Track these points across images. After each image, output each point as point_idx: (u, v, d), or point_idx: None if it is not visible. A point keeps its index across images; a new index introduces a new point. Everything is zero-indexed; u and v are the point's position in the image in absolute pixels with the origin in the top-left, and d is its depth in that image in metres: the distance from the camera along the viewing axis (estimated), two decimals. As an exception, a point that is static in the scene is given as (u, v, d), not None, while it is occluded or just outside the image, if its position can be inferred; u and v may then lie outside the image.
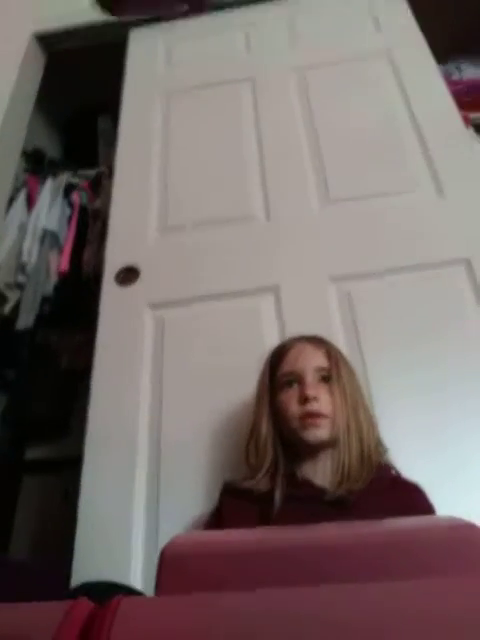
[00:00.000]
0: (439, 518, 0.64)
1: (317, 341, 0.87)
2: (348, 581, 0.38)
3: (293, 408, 0.79)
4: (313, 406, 0.77)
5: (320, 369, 0.82)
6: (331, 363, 0.83)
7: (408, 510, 0.74)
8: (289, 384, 0.82)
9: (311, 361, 0.82)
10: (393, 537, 0.46)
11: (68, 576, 0.92)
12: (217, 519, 0.82)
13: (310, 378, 0.80)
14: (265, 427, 0.82)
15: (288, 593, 0.36)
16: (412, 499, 0.77)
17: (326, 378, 0.81)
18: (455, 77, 1.78)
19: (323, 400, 0.79)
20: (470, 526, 0.44)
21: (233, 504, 0.82)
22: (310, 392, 0.78)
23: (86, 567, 0.93)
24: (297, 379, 0.81)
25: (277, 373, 0.84)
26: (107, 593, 0.40)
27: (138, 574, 0.93)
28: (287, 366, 0.83)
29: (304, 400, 0.78)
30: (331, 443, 0.79)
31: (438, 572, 0.40)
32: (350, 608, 0.34)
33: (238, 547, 0.47)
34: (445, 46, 1.77)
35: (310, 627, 0.33)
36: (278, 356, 0.86)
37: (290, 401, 0.80)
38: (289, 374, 0.82)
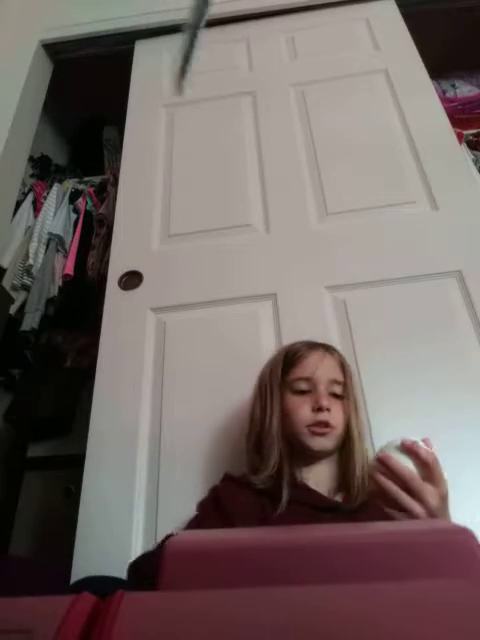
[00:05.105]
0: (433, 522, 0.64)
1: (332, 351, 0.88)
2: (347, 581, 0.39)
3: (304, 414, 0.80)
4: (325, 416, 0.79)
5: (334, 382, 0.83)
6: (346, 378, 0.84)
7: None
8: (302, 389, 0.82)
9: (329, 372, 0.83)
10: (389, 538, 0.46)
11: (68, 572, 0.93)
12: (215, 498, 0.83)
13: (323, 387, 0.81)
14: (275, 426, 0.82)
15: (289, 591, 0.37)
16: None
17: (339, 391, 0.83)
18: (450, 94, 1.82)
19: (334, 412, 0.80)
20: (463, 530, 0.44)
21: (234, 489, 0.82)
22: (325, 403, 0.79)
23: (86, 563, 0.94)
24: (311, 386, 0.82)
25: (289, 374, 0.84)
26: (108, 588, 0.40)
27: (137, 570, 0.96)
28: (305, 371, 0.83)
29: (318, 409, 0.79)
30: (333, 452, 0.81)
31: (430, 575, 0.40)
32: (349, 608, 0.34)
33: (241, 544, 0.47)
34: (441, 62, 1.82)
35: (310, 624, 0.33)
36: (294, 358, 0.86)
37: (302, 406, 0.81)
38: (306, 380, 0.82)
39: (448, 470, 0.92)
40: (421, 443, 0.64)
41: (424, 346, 1.09)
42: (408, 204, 1.32)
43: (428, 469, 0.61)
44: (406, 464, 0.62)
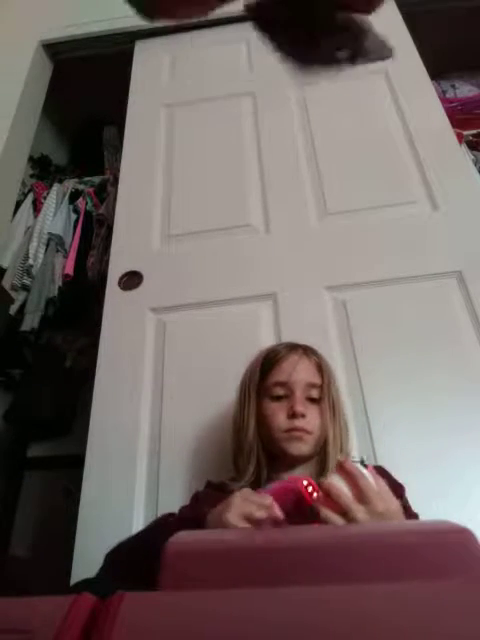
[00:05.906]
0: (431, 522, 0.64)
1: (310, 353, 0.86)
2: (347, 581, 0.39)
3: (280, 420, 0.80)
4: (300, 422, 0.78)
5: (312, 385, 0.82)
6: (324, 381, 0.83)
7: None
8: (279, 394, 0.82)
9: (305, 376, 0.82)
10: (389, 539, 0.46)
11: (68, 572, 0.93)
12: (195, 504, 0.82)
13: (299, 392, 0.80)
14: (251, 432, 0.82)
15: (289, 591, 0.37)
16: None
17: (316, 395, 0.82)
18: (450, 95, 1.82)
19: (310, 417, 0.79)
20: (462, 530, 0.44)
21: (214, 496, 0.80)
22: (299, 409, 0.78)
23: (86, 563, 0.92)
24: (288, 391, 0.81)
25: (267, 379, 0.84)
26: (108, 589, 0.40)
27: (137, 570, 0.95)
28: (281, 376, 0.82)
29: (292, 415, 0.79)
30: (311, 457, 0.81)
31: (430, 575, 0.40)
32: (349, 608, 0.34)
33: (241, 545, 0.48)
34: (441, 62, 1.82)
35: (311, 624, 0.33)
36: (271, 363, 0.85)
37: (278, 412, 0.80)
38: (282, 385, 0.82)
39: (447, 471, 0.94)
40: (358, 464, 0.63)
41: (424, 346, 1.09)
42: (408, 204, 1.32)
43: (357, 487, 0.60)
44: (340, 484, 0.61)
